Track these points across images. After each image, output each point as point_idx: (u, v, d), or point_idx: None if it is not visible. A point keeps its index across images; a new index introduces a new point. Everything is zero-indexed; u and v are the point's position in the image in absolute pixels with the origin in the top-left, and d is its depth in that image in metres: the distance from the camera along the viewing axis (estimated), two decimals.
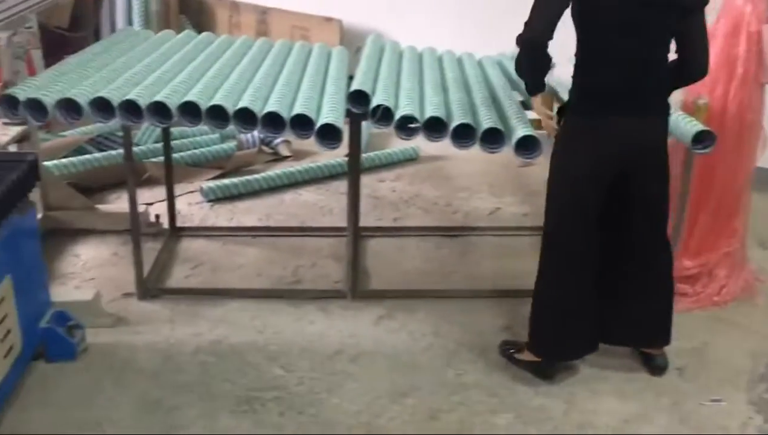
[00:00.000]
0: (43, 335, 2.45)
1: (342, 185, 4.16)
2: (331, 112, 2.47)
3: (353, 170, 2.98)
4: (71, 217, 3.42)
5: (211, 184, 3.95)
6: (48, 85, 2.50)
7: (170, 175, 3.41)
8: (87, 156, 3.96)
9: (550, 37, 2.19)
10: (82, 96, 2.39)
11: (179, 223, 3.54)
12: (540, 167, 4.47)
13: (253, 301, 2.98)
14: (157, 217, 3.50)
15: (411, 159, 4.55)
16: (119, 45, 3.07)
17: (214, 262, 3.29)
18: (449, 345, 2.76)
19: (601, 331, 2.57)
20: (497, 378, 2.57)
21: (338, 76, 2.88)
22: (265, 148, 4.55)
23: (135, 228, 2.87)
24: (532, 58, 2.29)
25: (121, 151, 4.04)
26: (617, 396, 2.50)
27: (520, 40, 2.22)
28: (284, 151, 4.58)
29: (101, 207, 3.59)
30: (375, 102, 2.53)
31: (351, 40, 4.70)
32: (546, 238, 2.48)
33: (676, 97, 2.65)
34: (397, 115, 2.48)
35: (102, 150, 4.12)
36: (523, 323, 2.66)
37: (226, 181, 4.01)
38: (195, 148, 4.35)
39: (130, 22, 5.36)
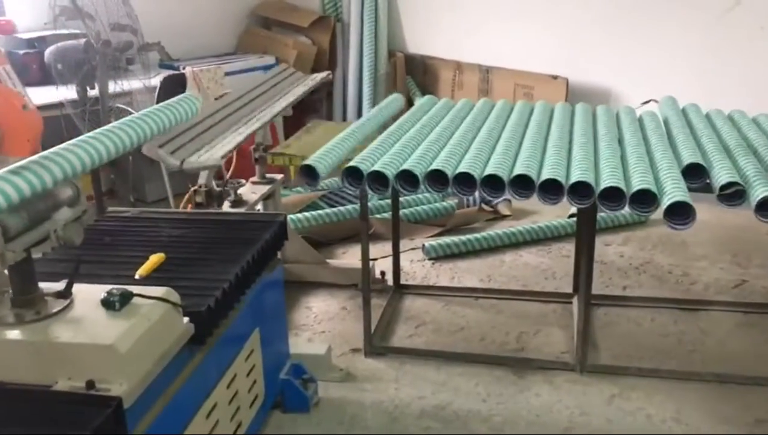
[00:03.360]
0: (282, 386, 2.57)
1: (565, 247, 4.03)
2: (677, 188, 2.27)
3: (587, 234, 2.83)
4: (305, 271, 3.61)
5: (433, 242, 4.00)
6: (381, 157, 2.60)
7: (397, 233, 3.49)
8: (319, 211, 4.19)
9: None
10: (418, 168, 2.47)
11: (402, 281, 3.61)
12: None
13: (475, 366, 2.92)
14: (383, 274, 3.59)
15: (640, 222, 4.29)
16: (428, 116, 3.16)
17: (436, 322, 3.28)
18: None
19: None
20: None
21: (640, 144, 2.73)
22: (485, 206, 4.53)
23: (366, 286, 2.95)
24: None
25: (349, 206, 4.25)
26: None
27: None
28: (504, 210, 4.54)
29: (331, 262, 3.76)
30: (721, 178, 2.30)
31: (577, 99, 4.58)
32: None
33: None
34: (759, 196, 2.20)
35: (332, 205, 4.35)
36: None
37: (447, 239, 4.03)
38: (417, 205, 4.45)
39: (360, 84, 5.69)
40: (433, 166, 2.46)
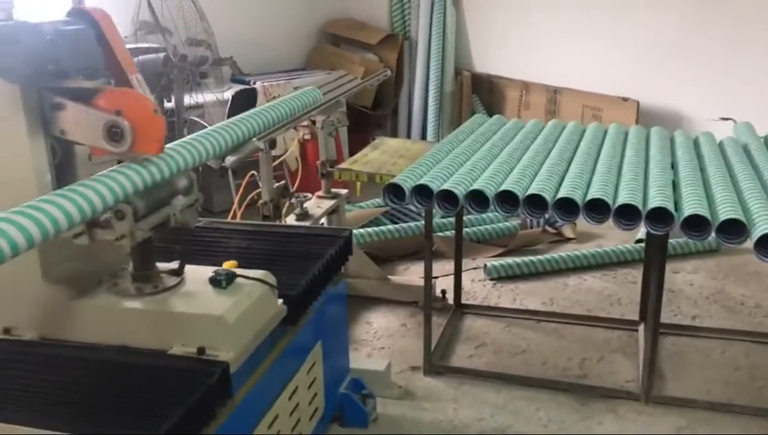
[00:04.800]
0: (341, 401, 2.58)
1: (631, 273, 3.93)
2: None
3: (658, 260, 2.75)
4: (366, 286, 3.63)
5: (495, 262, 3.96)
6: (451, 177, 2.62)
7: (459, 252, 3.47)
8: (382, 227, 4.21)
9: None
10: (488, 188, 2.46)
11: (463, 300, 3.58)
12: None
13: (536, 390, 2.87)
14: (444, 292, 3.58)
15: (711, 250, 4.15)
16: (497, 136, 3.17)
17: (497, 343, 3.25)
18: None
19: None
20: None
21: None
22: (548, 228, 4.47)
23: (428, 304, 2.94)
24: None
25: (411, 223, 4.25)
26: None
27: None
28: (568, 232, 4.47)
29: (392, 278, 3.76)
30: None
31: (647, 122, 4.50)
32: None
33: None
34: None
35: (395, 222, 4.36)
36: None
37: (509, 260, 3.99)
38: (480, 225, 4.42)
39: (425, 102, 5.71)
40: (504, 187, 2.44)
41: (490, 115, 3.56)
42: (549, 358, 3.11)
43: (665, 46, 4.76)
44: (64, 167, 1.76)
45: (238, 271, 1.89)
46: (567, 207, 2.38)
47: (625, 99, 4.76)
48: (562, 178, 2.56)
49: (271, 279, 1.93)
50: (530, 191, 2.41)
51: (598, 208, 2.36)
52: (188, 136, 1.95)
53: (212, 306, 1.75)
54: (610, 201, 2.33)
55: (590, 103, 4.97)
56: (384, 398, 2.78)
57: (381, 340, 3.29)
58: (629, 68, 4.92)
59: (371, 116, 5.75)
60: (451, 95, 5.73)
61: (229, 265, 2.12)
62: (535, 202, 2.41)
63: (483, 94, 5.73)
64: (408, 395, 2.85)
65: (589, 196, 2.37)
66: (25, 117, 1.65)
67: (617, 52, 4.97)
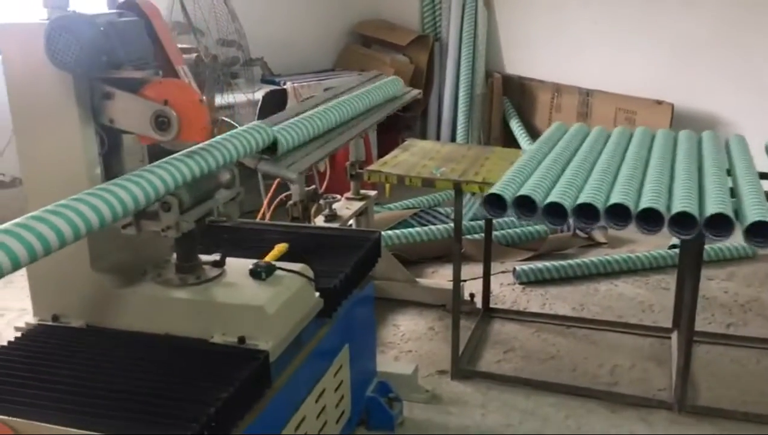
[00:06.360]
0: (368, 403, 2.57)
1: (664, 280, 3.87)
2: None
3: (693, 266, 2.68)
4: (394, 288, 3.61)
5: (525, 266, 3.91)
6: (526, 185, 2.48)
7: (489, 255, 3.43)
8: (410, 229, 4.18)
9: None
10: (597, 201, 2.30)
11: (491, 304, 3.55)
12: None
13: (566, 396, 2.83)
14: (472, 296, 3.54)
15: (746, 257, 4.07)
16: (564, 143, 3.01)
17: (526, 348, 3.21)
18: None
19: None
20: None
21: None
22: (579, 232, 4.41)
23: (456, 308, 2.91)
24: None
25: (440, 226, 4.22)
26: None
27: None
28: (600, 237, 4.41)
29: (420, 281, 3.74)
30: None
31: (682, 126, 4.42)
32: None
33: None
34: None
35: (423, 224, 4.34)
36: None
37: (539, 264, 3.94)
38: (509, 228, 4.37)
39: (455, 104, 5.67)
40: (615, 200, 2.28)
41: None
42: (579, 365, 3.07)
43: (700, 47, 4.68)
44: (111, 157, 1.82)
45: (278, 263, 1.92)
46: (683, 221, 2.23)
47: (659, 102, 4.68)
48: (671, 191, 2.41)
49: (309, 272, 1.97)
50: (643, 205, 2.27)
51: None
52: (239, 128, 2.04)
53: (253, 297, 1.80)
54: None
55: (623, 106, 4.90)
56: (411, 402, 2.76)
57: (408, 343, 3.27)
58: (663, 70, 4.84)
59: (400, 118, 5.71)
60: (482, 97, 5.68)
61: (280, 247, 2.13)
62: (651, 216, 2.25)
63: (514, 96, 5.68)
64: (435, 399, 2.83)
65: (711, 211, 2.20)
66: (77, 106, 1.70)
67: (651, 54, 4.89)
